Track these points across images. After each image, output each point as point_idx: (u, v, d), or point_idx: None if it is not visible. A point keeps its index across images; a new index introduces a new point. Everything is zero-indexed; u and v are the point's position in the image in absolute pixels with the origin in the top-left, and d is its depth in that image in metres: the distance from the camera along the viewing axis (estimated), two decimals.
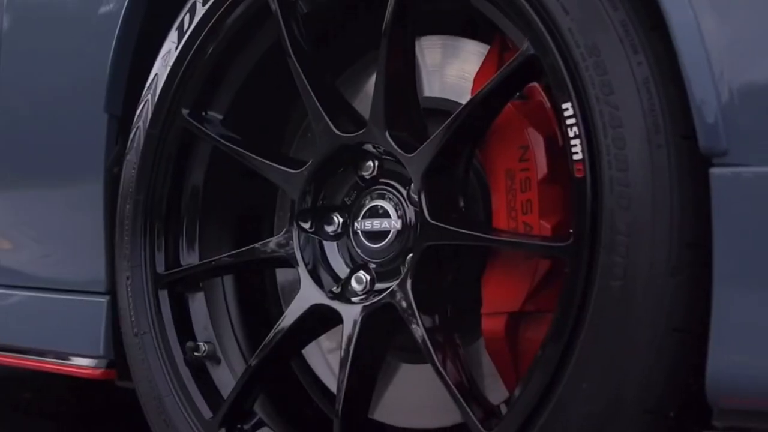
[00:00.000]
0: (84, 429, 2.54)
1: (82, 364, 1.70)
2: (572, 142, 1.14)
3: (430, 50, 1.51)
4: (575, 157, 1.14)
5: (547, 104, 1.31)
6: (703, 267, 1.06)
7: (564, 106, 1.15)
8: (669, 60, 1.08)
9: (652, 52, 1.10)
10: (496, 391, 1.41)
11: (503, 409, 1.33)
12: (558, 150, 1.24)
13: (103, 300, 1.67)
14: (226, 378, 1.56)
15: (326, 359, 1.61)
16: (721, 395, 1.06)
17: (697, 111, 1.05)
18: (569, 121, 1.14)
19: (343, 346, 1.37)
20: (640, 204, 1.09)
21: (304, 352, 1.61)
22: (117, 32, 1.65)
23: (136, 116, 1.60)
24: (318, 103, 1.41)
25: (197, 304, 1.61)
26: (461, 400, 1.24)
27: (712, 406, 1.07)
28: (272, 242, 1.48)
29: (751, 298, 1.04)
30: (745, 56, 1.06)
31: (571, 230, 1.17)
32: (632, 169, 1.10)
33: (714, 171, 1.04)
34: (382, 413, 1.53)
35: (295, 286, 1.47)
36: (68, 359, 1.75)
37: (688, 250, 1.08)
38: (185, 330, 1.58)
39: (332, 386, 1.56)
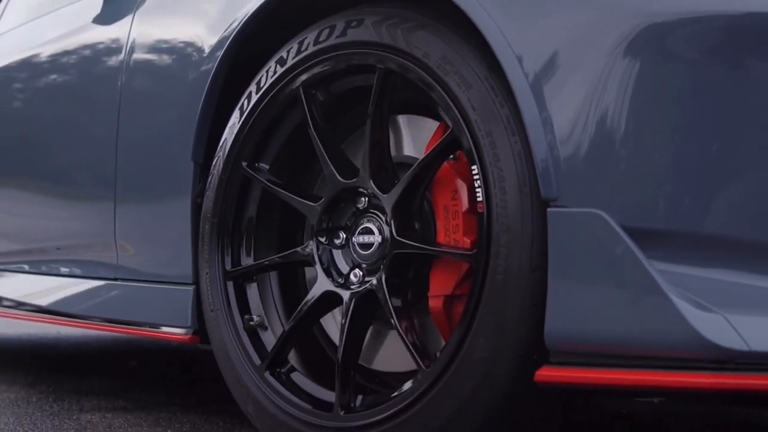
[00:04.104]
0: (178, 385, 2.81)
1: (177, 332, 1.93)
2: (477, 190, 1.43)
3: (407, 123, 1.74)
4: (479, 199, 1.42)
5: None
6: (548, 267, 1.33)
7: (473, 167, 1.43)
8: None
9: (524, 135, 1.37)
10: (438, 346, 1.62)
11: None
12: (474, 194, 1.44)
13: (190, 288, 1.91)
14: (270, 338, 1.78)
15: (337, 325, 1.76)
16: (554, 343, 1.34)
17: (540, 172, 1.34)
18: (475, 177, 1.43)
19: (342, 318, 1.63)
20: (513, 229, 1.38)
21: (322, 321, 1.83)
22: (201, 104, 1.89)
23: (212, 166, 1.84)
24: (329, 160, 1.66)
25: (252, 290, 1.82)
26: (414, 353, 1.52)
27: (549, 349, 1.35)
28: (307, 248, 1.72)
29: (568, 286, 1.33)
30: (569, 140, 1.32)
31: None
32: (505, 207, 1.37)
33: (549, 210, 1.34)
34: (377, 364, 1.78)
35: (315, 279, 1.71)
36: (165, 329, 1.98)
37: (540, 256, 1.36)
38: (244, 307, 1.80)
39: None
